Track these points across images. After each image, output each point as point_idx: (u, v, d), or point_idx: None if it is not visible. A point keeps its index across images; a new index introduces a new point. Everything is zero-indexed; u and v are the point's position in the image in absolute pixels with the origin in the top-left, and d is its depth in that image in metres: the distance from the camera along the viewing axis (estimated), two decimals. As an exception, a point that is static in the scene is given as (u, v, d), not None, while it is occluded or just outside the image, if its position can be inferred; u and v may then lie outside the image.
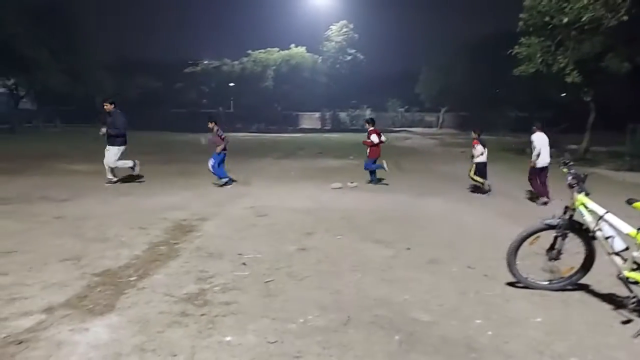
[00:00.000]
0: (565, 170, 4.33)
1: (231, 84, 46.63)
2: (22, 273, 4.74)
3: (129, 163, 10.67)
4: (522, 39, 16.38)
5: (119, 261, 5.12)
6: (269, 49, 47.28)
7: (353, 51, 48.29)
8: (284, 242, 6.03)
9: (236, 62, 46.66)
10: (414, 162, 17.31)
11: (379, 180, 11.64)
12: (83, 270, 4.83)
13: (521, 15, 15.96)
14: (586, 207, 4.04)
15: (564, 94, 23.15)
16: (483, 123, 36.01)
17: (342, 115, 52.82)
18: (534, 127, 9.39)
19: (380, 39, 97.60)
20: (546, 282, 4.38)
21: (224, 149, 10.70)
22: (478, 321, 3.74)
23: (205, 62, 48.44)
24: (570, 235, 4.19)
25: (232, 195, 9.51)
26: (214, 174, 10.63)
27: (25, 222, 6.98)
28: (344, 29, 48.34)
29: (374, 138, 11.22)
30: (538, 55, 15.77)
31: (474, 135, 10.60)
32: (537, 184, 9.19)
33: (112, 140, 10.34)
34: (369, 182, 11.44)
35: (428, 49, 49.40)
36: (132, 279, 4.58)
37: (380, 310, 3.92)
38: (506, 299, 4.21)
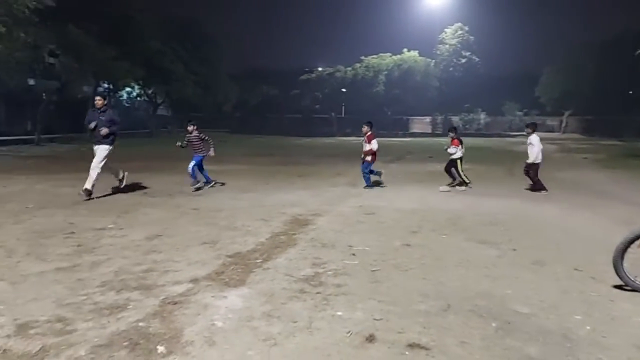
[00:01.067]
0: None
1: (343, 90, 47.89)
2: (171, 252, 5.71)
3: (120, 173, 9.89)
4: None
5: (246, 246, 5.92)
6: (381, 54, 47.83)
7: (468, 54, 47.04)
8: (390, 238, 6.45)
9: (349, 69, 47.81)
10: (529, 168, 16.67)
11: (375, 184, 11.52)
12: (218, 252, 5.69)
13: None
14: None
15: None
16: (613, 127, 33.21)
17: (455, 119, 51.55)
18: (528, 129, 10.99)
19: (497, 40, 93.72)
20: (656, 287, 4.31)
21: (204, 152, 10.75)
22: (578, 317, 3.85)
23: (320, 69, 50.37)
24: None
25: (343, 196, 10.12)
26: (191, 175, 10.55)
27: (169, 212, 8.20)
28: (459, 32, 47.31)
29: (374, 145, 10.84)
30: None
31: (452, 135, 11.72)
32: (538, 180, 10.65)
33: (101, 138, 9.15)
34: (366, 187, 11.07)
35: (550, 49, 46.82)
36: (258, 261, 5.32)
37: (480, 301, 4.19)
38: (611, 299, 4.23)
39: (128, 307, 4.04)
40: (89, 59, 29.53)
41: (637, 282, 4.37)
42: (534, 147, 10.55)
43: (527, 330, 3.60)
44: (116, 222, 7.31)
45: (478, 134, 46.39)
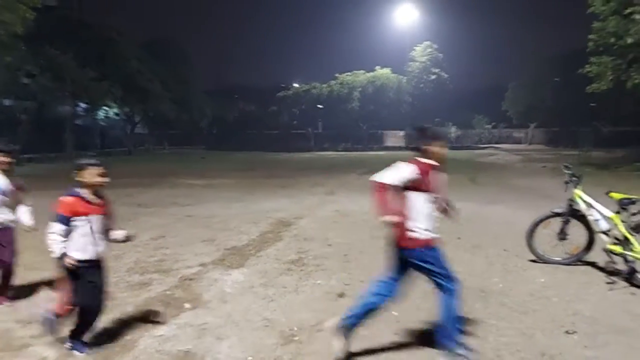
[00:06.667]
0: (565, 171, 5.65)
1: (320, 106, 49.43)
2: (177, 248, 6.87)
3: None
4: (592, 59, 16.89)
5: (241, 242, 7.13)
6: (355, 71, 49.55)
7: (437, 70, 49.18)
8: (360, 233, 7.74)
9: (324, 85, 49.40)
10: (490, 176, 18.26)
11: None
12: (217, 246, 6.88)
13: (590, 37, 16.53)
14: (581, 198, 5.34)
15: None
16: (574, 138, 35.04)
17: (427, 133, 53.42)
18: None
19: (465, 57, 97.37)
20: (559, 258, 5.67)
21: None
22: (495, 279, 5.19)
23: (296, 85, 51.90)
24: (573, 220, 5.49)
25: (321, 202, 11.38)
26: None
27: (165, 219, 9.32)
28: (428, 50, 49.47)
29: None
30: (609, 73, 16.23)
31: None
32: None
33: None
34: None
35: (515, 64, 49.14)
36: (251, 251, 6.54)
37: (425, 272, 5.47)
38: (524, 269, 5.59)
39: (153, 283, 5.21)
40: (68, 79, 30.31)
41: (545, 256, 5.73)
42: None
43: (456, 287, 4.89)
44: (121, 227, 8.37)
45: (449, 147, 48.23)
